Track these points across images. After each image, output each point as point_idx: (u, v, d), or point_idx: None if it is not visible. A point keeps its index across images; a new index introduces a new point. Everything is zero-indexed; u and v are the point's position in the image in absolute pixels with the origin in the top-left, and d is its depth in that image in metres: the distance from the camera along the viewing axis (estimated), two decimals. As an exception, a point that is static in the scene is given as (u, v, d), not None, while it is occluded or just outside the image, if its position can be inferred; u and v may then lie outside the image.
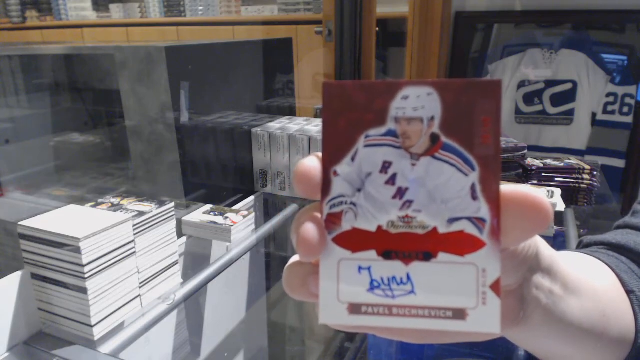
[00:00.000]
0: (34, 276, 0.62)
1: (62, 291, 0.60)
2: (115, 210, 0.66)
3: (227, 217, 0.86)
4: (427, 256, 0.21)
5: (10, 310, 0.60)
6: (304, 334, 1.05)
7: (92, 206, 0.68)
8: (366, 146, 0.21)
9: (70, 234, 0.57)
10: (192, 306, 0.83)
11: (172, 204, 0.72)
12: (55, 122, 1.21)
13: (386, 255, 0.21)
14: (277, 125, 1.08)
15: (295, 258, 0.23)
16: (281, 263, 1.08)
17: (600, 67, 1.79)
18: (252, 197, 1.05)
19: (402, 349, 0.81)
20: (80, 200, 0.71)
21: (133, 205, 0.69)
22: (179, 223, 0.84)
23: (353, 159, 0.21)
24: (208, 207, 0.91)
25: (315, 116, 1.44)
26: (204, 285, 0.78)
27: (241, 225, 0.85)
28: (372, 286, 0.22)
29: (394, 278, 0.21)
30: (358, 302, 0.22)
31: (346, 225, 0.22)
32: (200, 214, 0.88)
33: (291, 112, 1.27)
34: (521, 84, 1.89)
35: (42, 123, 1.19)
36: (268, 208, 1.09)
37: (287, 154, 1.04)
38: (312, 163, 0.21)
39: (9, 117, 1.18)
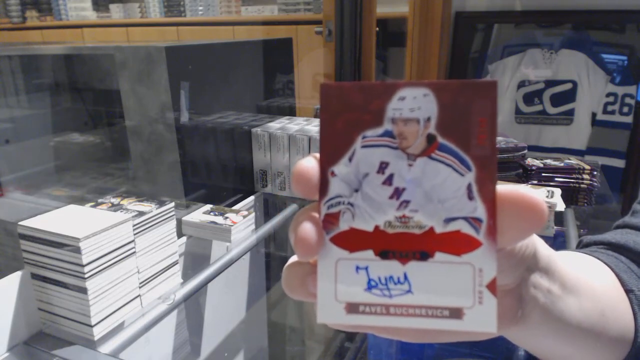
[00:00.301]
0: (34, 276, 0.62)
1: (62, 291, 0.61)
2: (115, 210, 0.66)
3: (227, 217, 0.86)
4: (424, 256, 0.21)
5: (10, 310, 0.60)
6: (304, 334, 1.05)
7: (92, 206, 0.68)
8: (363, 147, 0.21)
9: (70, 234, 0.57)
10: (192, 306, 0.83)
11: (172, 204, 0.72)
12: (55, 122, 1.21)
13: (383, 255, 0.22)
14: (277, 125, 1.08)
15: (294, 258, 0.23)
16: (281, 263, 1.08)
17: (600, 67, 1.79)
18: (252, 197, 1.05)
19: (402, 349, 0.81)
20: (80, 200, 0.71)
21: (133, 205, 0.69)
22: (179, 223, 0.84)
23: (350, 160, 0.22)
24: (208, 207, 0.91)
25: (315, 116, 1.44)
26: (204, 285, 0.78)
27: (241, 225, 0.85)
28: (370, 286, 0.22)
29: (391, 277, 0.22)
30: (355, 302, 0.22)
31: (344, 225, 0.22)
32: (200, 214, 0.88)
33: (291, 112, 1.27)
34: (521, 84, 1.89)
35: (42, 123, 1.19)
36: (268, 208, 1.09)
37: (287, 154, 1.04)
38: (309, 163, 0.21)
39: (9, 117, 1.18)
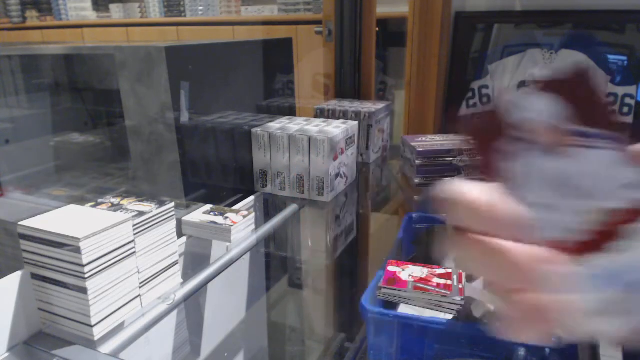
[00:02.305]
0: (34, 276, 0.62)
1: (62, 291, 0.60)
2: (115, 210, 0.66)
3: (227, 217, 0.86)
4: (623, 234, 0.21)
5: (10, 310, 0.60)
6: (304, 334, 1.05)
7: (92, 206, 0.68)
8: (520, 163, 0.22)
9: (70, 234, 0.57)
10: (192, 306, 0.83)
11: (172, 204, 0.72)
12: (55, 122, 1.21)
13: (596, 252, 0.21)
14: (277, 125, 1.08)
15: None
16: (281, 263, 1.08)
17: (600, 67, 1.79)
18: (252, 197, 1.05)
19: (402, 349, 0.81)
20: (80, 200, 0.71)
21: (133, 205, 0.69)
22: (179, 223, 0.84)
23: (516, 182, 0.22)
24: (208, 207, 0.91)
25: (316, 116, 1.44)
26: (204, 285, 0.78)
27: (241, 225, 0.85)
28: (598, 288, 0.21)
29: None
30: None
31: (546, 236, 0.22)
32: (200, 214, 0.88)
33: (291, 112, 1.27)
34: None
35: (42, 123, 1.19)
36: (268, 208, 1.09)
37: (287, 154, 1.04)
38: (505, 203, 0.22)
39: (9, 117, 1.18)
